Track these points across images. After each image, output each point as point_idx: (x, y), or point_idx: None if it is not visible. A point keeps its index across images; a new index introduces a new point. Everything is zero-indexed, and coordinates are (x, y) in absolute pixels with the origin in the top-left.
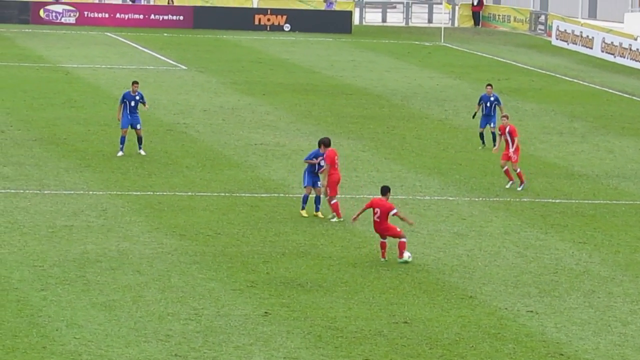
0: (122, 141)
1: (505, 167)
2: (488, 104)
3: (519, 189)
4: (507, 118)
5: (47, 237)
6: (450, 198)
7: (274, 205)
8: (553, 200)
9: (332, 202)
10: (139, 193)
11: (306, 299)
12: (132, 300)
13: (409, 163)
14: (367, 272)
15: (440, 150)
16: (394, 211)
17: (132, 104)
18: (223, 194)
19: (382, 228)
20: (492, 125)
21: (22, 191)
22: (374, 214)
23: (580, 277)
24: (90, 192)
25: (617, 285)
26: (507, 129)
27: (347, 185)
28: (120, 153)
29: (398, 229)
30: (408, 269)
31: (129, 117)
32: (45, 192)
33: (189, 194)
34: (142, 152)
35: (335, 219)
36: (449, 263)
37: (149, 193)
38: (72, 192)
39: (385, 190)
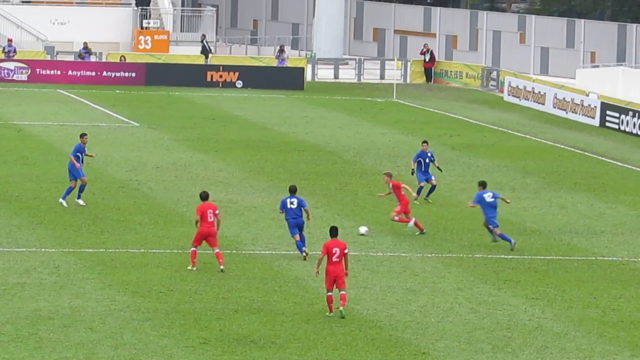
0: (69, 191)
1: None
2: (427, 160)
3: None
4: (390, 176)
5: None
6: (403, 254)
7: (227, 262)
8: (506, 256)
9: (191, 249)
10: (91, 250)
11: (259, 355)
12: (85, 357)
13: (362, 219)
14: (320, 329)
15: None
16: (347, 250)
17: (83, 155)
18: (176, 251)
19: (340, 268)
20: (432, 179)
21: None
22: (331, 255)
23: (533, 333)
24: (43, 250)
25: (570, 340)
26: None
27: None
28: (81, 202)
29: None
30: (361, 325)
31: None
32: None
33: (142, 250)
34: (82, 202)
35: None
36: (402, 319)
37: (101, 250)
38: (25, 249)
39: (336, 231)
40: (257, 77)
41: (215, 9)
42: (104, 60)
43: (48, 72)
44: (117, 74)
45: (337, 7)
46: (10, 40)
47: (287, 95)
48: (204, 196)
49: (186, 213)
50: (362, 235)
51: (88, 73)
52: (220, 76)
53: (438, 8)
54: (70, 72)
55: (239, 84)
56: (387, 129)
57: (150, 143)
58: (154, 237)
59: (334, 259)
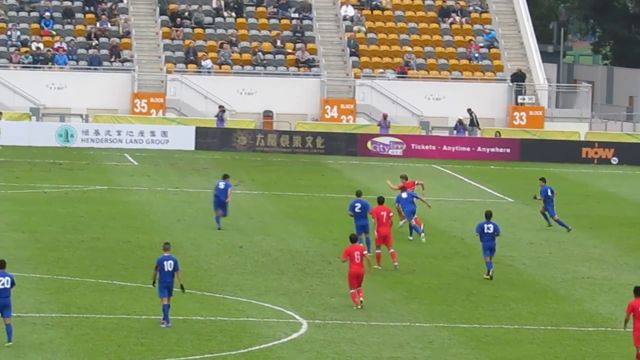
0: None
1: None
2: None
3: None
4: None
5: None
6: None
7: (601, 340)
8: None
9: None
10: (465, 325)
11: None
12: None
13: None
14: None
15: None
16: None
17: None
18: (549, 327)
19: None
20: None
21: (348, 322)
22: (637, 314)
23: None
24: (417, 324)
25: None
26: None
27: None
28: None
29: None
30: None
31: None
32: (372, 323)
33: (515, 326)
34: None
35: None
36: None
37: (475, 325)
38: (398, 323)
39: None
40: (632, 154)
41: (590, 85)
42: (478, 135)
43: (423, 147)
44: (492, 150)
45: None
46: (385, 116)
47: None
48: (353, 239)
49: (560, 290)
50: None
51: (463, 148)
52: (596, 152)
53: None
54: (445, 148)
55: (615, 160)
56: None
57: (525, 219)
58: (528, 313)
59: None
